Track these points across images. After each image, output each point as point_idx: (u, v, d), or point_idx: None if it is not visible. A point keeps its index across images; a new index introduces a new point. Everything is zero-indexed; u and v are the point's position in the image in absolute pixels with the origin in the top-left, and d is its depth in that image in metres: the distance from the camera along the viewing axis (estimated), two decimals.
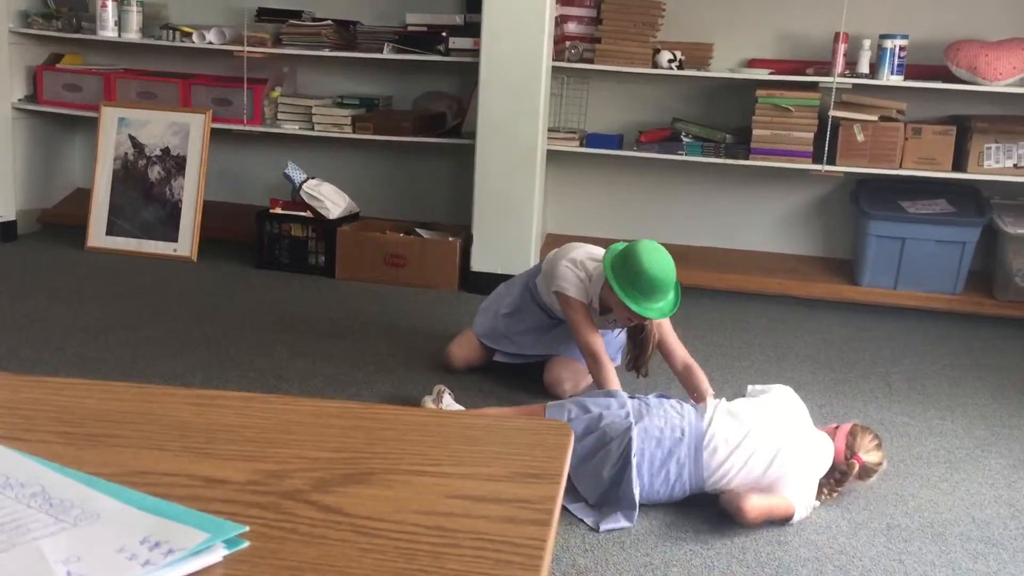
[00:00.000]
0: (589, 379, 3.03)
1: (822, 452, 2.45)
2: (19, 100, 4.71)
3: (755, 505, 2.28)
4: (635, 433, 2.34)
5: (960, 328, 4.08)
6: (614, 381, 2.82)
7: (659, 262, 2.74)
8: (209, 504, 0.66)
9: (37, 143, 4.85)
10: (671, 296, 2.79)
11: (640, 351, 2.89)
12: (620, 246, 2.86)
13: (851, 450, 2.46)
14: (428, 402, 2.86)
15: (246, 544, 0.59)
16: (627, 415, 2.40)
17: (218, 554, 0.57)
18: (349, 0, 4.68)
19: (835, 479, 2.45)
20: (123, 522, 0.58)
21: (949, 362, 3.67)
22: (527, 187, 4.14)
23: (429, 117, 4.57)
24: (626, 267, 2.75)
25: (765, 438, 2.37)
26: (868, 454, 2.48)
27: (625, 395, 2.52)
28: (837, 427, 2.55)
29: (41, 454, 0.69)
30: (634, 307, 2.72)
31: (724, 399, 2.53)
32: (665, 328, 2.90)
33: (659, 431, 2.38)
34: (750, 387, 2.62)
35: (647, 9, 4.26)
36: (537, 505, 0.69)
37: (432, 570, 0.60)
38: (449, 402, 2.83)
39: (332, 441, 0.79)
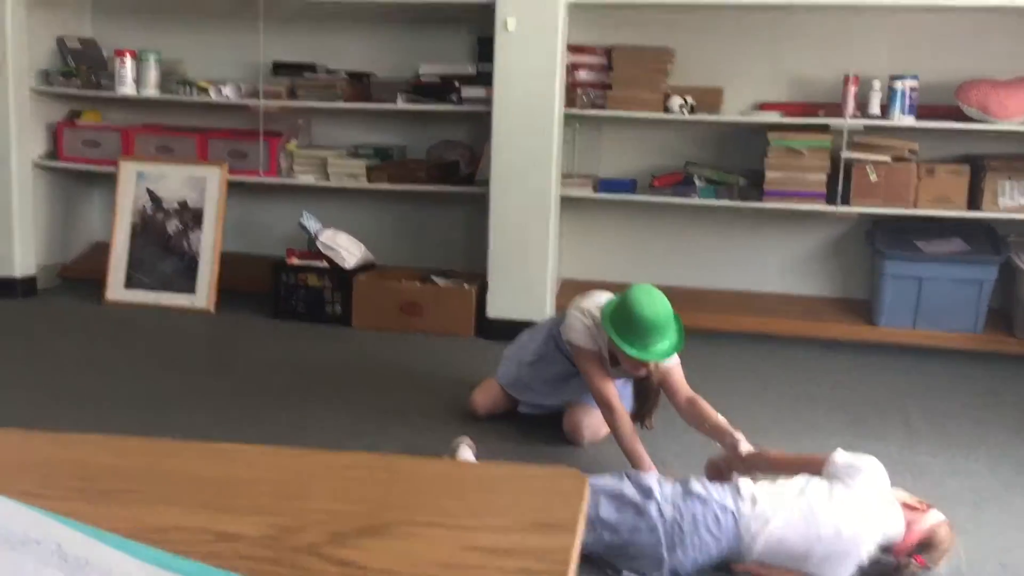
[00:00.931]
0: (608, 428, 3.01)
1: (870, 529, 2.25)
2: (39, 156, 4.78)
3: None
4: (665, 569, 2.22)
5: (981, 367, 4.04)
6: (627, 427, 2.80)
7: (651, 304, 2.72)
8: (224, 560, 0.65)
9: (57, 199, 4.92)
10: (671, 337, 2.76)
11: (642, 402, 2.88)
12: (618, 294, 2.86)
13: (923, 550, 2.25)
14: (461, 448, 2.83)
15: None
16: (658, 540, 2.21)
17: None
18: (362, 52, 4.75)
19: (888, 564, 2.26)
20: None
21: (971, 401, 3.63)
22: (542, 233, 4.16)
23: (443, 166, 4.61)
24: (621, 314, 2.75)
25: (809, 539, 2.21)
26: (934, 559, 2.27)
27: (658, 500, 2.26)
28: (927, 508, 2.31)
29: (57, 510, 0.69)
30: (633, 352, 2.71)
31: (766, 500, 2.29)
32: (671, 368, 2.87)
33: (692, 562, 2.23)
34: (839, 452, 2.38)
35: (657, 56, 4.30)
36: (553, 556, 0.69)
37: None
38: (467, 455, 2.80)
39: (348, 493, 0.79)
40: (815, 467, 2.35)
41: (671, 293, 4.48)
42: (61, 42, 4.82)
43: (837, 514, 2.22)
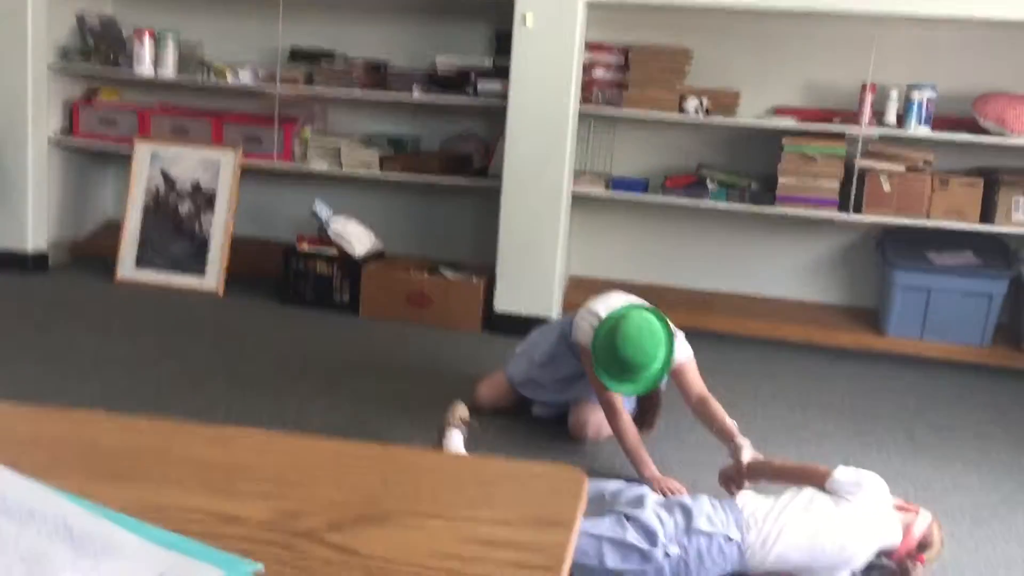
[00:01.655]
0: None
1: (871, 542, 2.28)
2: (55, 133, 4.81)
3: None
4: None
5: (987, 381, 4.03)
6: (630, 430, 2.80)
7: (636, 341, 2.69)
8: (226, 541, 0.66)
9: (71, 176, 4.94)
10: (651, 371, 2.72)
11: (645, 407, 2.88)
12: (618, 312, 2.82)
13: (922, 550, 2.30)
14: (451, 433, 2.79)
15: None
16: None
17: None
18: (380, 41, 4.76)
19: (888, 568, 2.30)
20: (142, 557, 0.59)
21: (976, 415, 3.63)
22: (552, 229, 4.16)
23: (456, 158, 4.62)
24: (607, 341, 2.74)
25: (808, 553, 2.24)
26: (931, 557, 2.33)
27: (663, 543, 2.21)
28: (916, 512, 2.35)
29: (64, 488, 0.71)
30: (607, 382, 2.72)
31: (767, 518, 2.29)
32: (684, 365, 2.86)
33: None
34: (841, 469, 2.36)
35: (674, 56, 4.29)
36: (549, 551, 0.70)
37: None
38: (457, 443, 2.77)
39: (349, 482, 0.80)
40: (818, 479, 2.34)
41: (679, 295, 4.54)
42: (81, 20, 4.84)
43: (841, 532, 2.24)
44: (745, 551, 2.22)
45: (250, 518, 0.72)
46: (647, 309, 2.84)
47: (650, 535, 2.20)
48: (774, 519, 2.25)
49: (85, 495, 0.69)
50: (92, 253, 4.91)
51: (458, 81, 4.45)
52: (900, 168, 4.13)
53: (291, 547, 0.68)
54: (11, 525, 0.62)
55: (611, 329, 2.74)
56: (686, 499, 2.34)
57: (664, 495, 2.51)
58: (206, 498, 0.75)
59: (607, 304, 2.94)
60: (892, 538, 2.29)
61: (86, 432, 0.87)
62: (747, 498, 2.35)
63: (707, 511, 2.27)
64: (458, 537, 0.71)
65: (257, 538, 0.69)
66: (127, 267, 4.65)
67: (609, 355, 2.71)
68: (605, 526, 2.22)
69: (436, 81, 4.48)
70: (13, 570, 0.57)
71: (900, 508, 2.35)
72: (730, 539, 2.22)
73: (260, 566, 0.61)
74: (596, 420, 3.07)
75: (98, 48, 4.78)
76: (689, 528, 2.22)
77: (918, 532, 2.29)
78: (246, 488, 0.78)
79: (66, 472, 0.77)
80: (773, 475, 2.50)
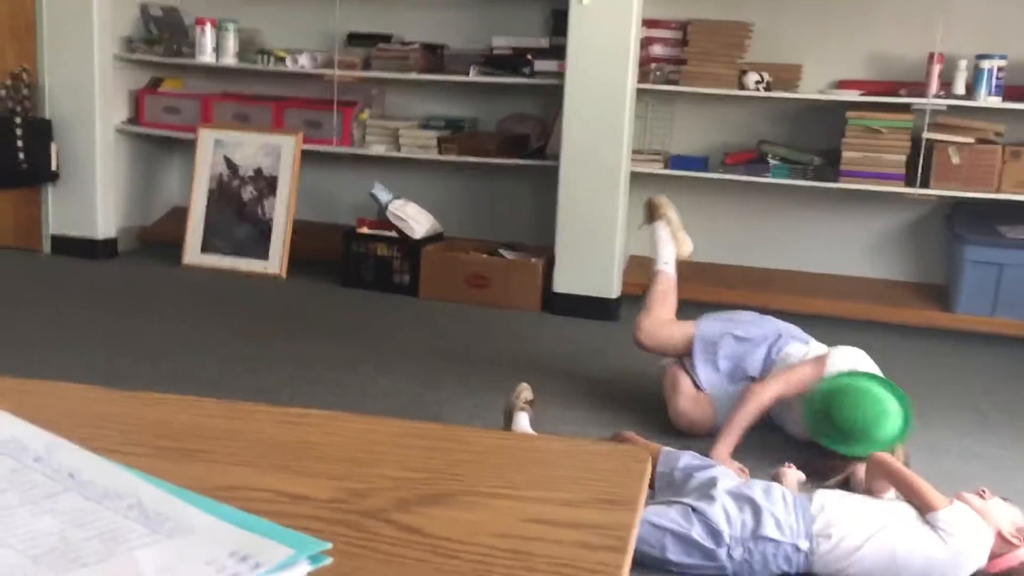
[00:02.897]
0: (708, 424, 2.90)
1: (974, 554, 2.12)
2: (122, 122, 4.91)
3: None
4: None
5: None
6: (747, 415, 2.71)
7: (857, 415, 2.55)
8: (294, 520, 0.67)
9: (137, 164, 5.05)
10: (877, 439, 2.54)
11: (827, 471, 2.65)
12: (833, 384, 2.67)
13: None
14: (518, 416, 2.75)
15: (329, 561, 0.61)
16: None
17: (302, 569, 0.59)
18: (436, 24, 4.76)
19: None
20: (214, 535, 0.61)
21: None
22: (610, 209, 4.14)
23: (513, 139, 4.61)
24: (822, 413, 2.62)
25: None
26: None
27: (728, 544, 2.14)
28: (1022, 543, 2.13)
29: (137, 466, 0.72)
30: (829, 444, 2.60)
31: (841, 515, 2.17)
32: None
33: None
34: (948, 511, 2.12)
35: (734, 31, 4.22)
36: (613, 531, 0.69)
37: None
38: (523, 425, 2.73)
39: (413, 461, 0.81)
40: (926, 504, 2.15)
41: (741, 273, 4.48)
42: (144, 10, 4.93)
43: (925, 565, 2.10)
44: (814, 561, 2.13)
45: (317, 497, 0.73)
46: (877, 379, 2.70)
47: (716, 534, 2.14)
48: (856, 532, 2.12)
49: (156, 474, 0.71)
50: (159, 239, 5.02)
51: (514, 61, 4.44)
52: (969, 140, 4.01)
53: (358, 526, 0.69)
54: (88, 502, 0.64)
55: (828, 401, 2.61)
56: (758, 494, 2.20)
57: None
58: (274, 477, 0.77)
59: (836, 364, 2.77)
60: (978, 565, 2.13)
61: (156, 413, 0.89)
62: (827, 500, 2.20)
63: (778, 513, 2.15)
64: (522, 517, 0.71)
65: (325, 517, 0.70)
66: (193, 252, 4.75)
67: (834, 430, 2.60)
68: (671, 517, 2.17)
69: (492, 62, 4.47)
70: (91, 544, 0.59)
71: (1002, 539, 2.14)
72: (799, 549, 2.13)
73: (329, 545, 0.62)
74: (696, 415, 2.95)
75: (161, 38, 4.87)
76: (756, 532, 2.14)
77: (1007, 565, 2.13)
78: (313, 467, 0.79)
79: (138, 452, 0.79)
80: (891, 477, 2.30)
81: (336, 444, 0.83)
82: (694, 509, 2.18)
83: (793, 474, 2.48)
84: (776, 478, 2.44)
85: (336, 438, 0.85)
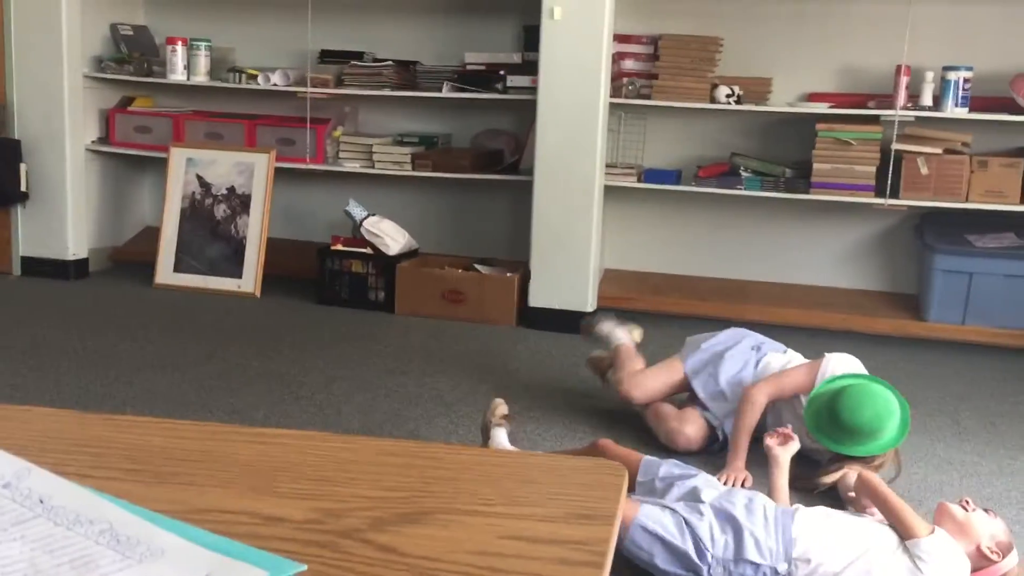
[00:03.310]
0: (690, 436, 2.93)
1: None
2: (92, 142, 4.88)
3: None
4: None
5: None
6: (748, 423, 2.76)
7: (857, 409, 2.59)
8: (269, 542, 0.67)
9: (108, 183, 5.02)
10: (877, 439, 2.60)
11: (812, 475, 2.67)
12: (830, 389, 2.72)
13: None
14: (496, 432, 2.75)
15: None
16: None
17: None
18: (409, 41, 4.77)
19: None
20: (186, 559, 0.60)
21: (1021, 399, 3.57)
22: (585, 223, 4.15)
23: (487, 154, 4.62)
24: (827, 413, 2.66)
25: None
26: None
27: (710, 564, 2.14)
28: (1003, 557, 2.14)
29: (109, 491, 0.72)
30: (826, 444, 2.63)
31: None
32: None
33: None
34: (929, 540, 2.11)
35: (705, 45, 4.26)
36: (590, 547, 0.69)
37: None
38: (502, 440, 2.72)
39: (389, 480, 0.80)
40: (906, 530, 2.13)
41: (715, 285, 4.51)
42: (114, 29, 4.91)
43: None
44: (794, 549, 2.13)
45: (292, 518, 0.72)
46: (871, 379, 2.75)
47: (700, 552, 2.14)
48: (835, 559, 2.10)
49: (129, 498, 0.70)
50: (132, 259, 4.98)
51: (487, 77, 4.45)
52: (937, 150, 4.07)
53: (333, 547, 0.68)
54: (59, 528, 0.63)
55: (833, 399, 2.65)
56: (740, 511, 2.18)
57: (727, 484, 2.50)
58: (249, 499, 0.76)
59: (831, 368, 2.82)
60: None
61: (129, 436, 0.88)
62: (809, 521, 2.18)
63: (758, 534, 2.14)
64: (499, 534, 0.71)
65: (299, 538, 0.69)
66: (165, 272, 4.71)
67: (832, 422, 2.63)
68: (664, 525, 2.16)
69: (465, 78, 4.48)
70: (62, 571, 0.58)
71: (981, 555, 2.15)
72: (777, 572, 2.12)
73: (304, 567, 0.61)
74: (691, 433, 2.95)
75: (132, 56, 4.85)
76: (738, 555, 2.14)
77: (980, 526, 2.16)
78: (287, 488, 0.78)
79: (110, 476, 0.78)
80: (876, 499, 2.27)
81: (311, 464, 0.83)
82: (687, 522, 2.17)
83: (786, 451, 2.54)
84: (767, 452, 2.53)
85: (311, 458, 0.84)
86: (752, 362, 3.00)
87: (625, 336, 3.25)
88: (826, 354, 2.90)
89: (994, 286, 4.04)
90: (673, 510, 2.20)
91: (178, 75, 4.74)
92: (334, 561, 0.66)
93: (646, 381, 3.08)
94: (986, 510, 2.24)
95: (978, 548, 2.15)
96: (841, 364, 2.83)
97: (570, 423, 3.15)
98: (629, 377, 3.09)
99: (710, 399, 2.99)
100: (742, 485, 2.65)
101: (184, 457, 0.83)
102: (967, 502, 2.23)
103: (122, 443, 0.86)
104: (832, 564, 2.11)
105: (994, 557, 2.14)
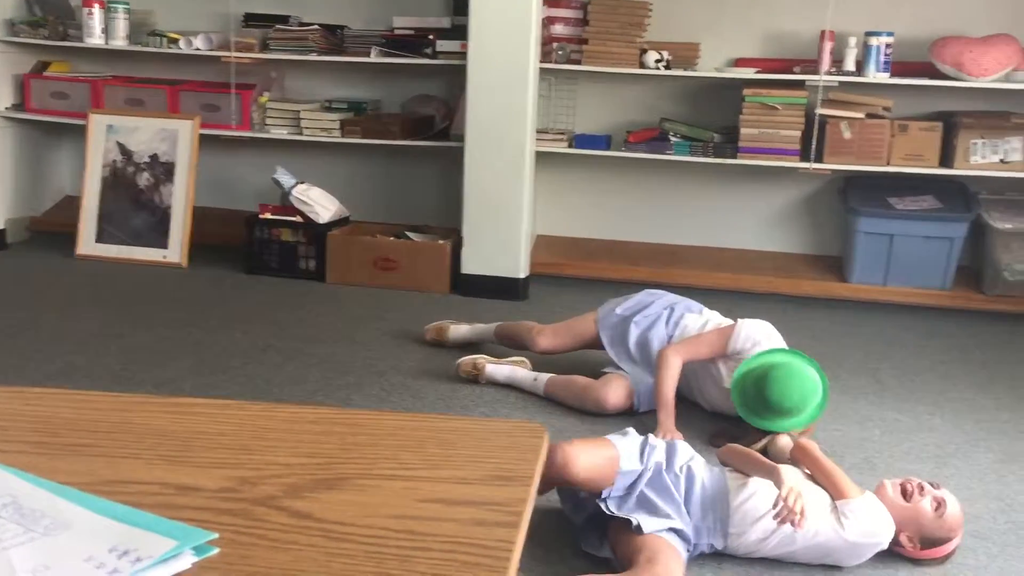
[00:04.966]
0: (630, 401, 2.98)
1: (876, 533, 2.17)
2: (6, 108, 4.70)
3: None
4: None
5: (949, 323, 4.09)
6: (670, 385, 2.82)
7: (784, 391, 2.64)
8: (181, 512, 0.66)
9: (25, 151, 4.85)
10: (801, 415, 2.67)
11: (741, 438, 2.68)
12: (756, 364, 2.75)
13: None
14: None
15: (216, 551, 0.60)
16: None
17: (187, 561, 0.58)
18: (336, 4, 4.68)
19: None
20: (92, 531, 0.59)
21: (939, 357, 3.69)
22: (516, 189, 4.15)
23: (417, 120, 4.58)
24: (754, 393, 2.70)
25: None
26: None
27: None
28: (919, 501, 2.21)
29: (15, 464, 0.70)
30: (754, 421, 2.68)
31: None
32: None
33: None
34: (860, 500, 2.18)
35: (633, 10, 4.26)
36: (507, 508, 0.70)
37: (400, 573, 0.61)
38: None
39: (306, 447, 0.80)
40: (837, 492, 2.19)
41: (645, 249, 4.56)
42: None
43: (821, 548, 2.17)
44: (727, 547, 2.18)
45: (206, 487, 0.72)
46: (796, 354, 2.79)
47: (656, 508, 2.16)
48: (768, 526, 2.15)
49: (37, 471, 0.69)
50: (52, 229, 4.83)
51: (417, 42, 4.40)
52: (860, 115, 4.15)
53: (248, 514, 0.68)
54: None
55: (759, 377, 2.70)
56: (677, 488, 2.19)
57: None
58: (163, 469, 0.75)
59: (752, 339, 2.86)
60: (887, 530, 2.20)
61: (37, 409, 0.86)
62: (752, 488, 2.19)
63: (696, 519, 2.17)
64: (417, 497, 0.71)
65: (213, 507, 0.69)
66: (88, 242, 4.59)
67: (758, 400, 2.68)
68: (648, 478, 2.16)
69: (394, 43, 4.42)
70: None
71: (908, 543, 2.22)
72: (713, 547, 2.18)
73: (215, 535, 0.61)
74: (619, 392, 2.97)
75: (46, 19, 4.67)
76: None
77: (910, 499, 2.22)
78: (203, 458, 0.77)
79: (16, 449, 0.76)
80: (812, 465, 2.29)
81: (228, 433, 0.82)
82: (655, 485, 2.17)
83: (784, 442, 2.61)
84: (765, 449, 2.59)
85: (227, 426, 0.83)
86: (663, 322, 3.05)
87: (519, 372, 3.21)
88: (739, 319, 2.94)
89: (914, 247, 4.15)
90: (656, 471, 2.19)
91: (95, 39, 4.58)
92: (247, 528, 0.66)
93: (558, 329, 3.22)
94: (939, 499, 2.22)
95: (898, 534, 2.20)
96: (753, 329, 2.88)
97: (503, 389, 3.16)
98: (538, 328, 3.24)
99: (619, 359, 3.06)
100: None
101: (94, 429, 0.81)
102: (920, 486, 2.23)
103: (29, 416, 0.84)
104: (761, 531, 2.15)
105: (908, 547, 2.21)
